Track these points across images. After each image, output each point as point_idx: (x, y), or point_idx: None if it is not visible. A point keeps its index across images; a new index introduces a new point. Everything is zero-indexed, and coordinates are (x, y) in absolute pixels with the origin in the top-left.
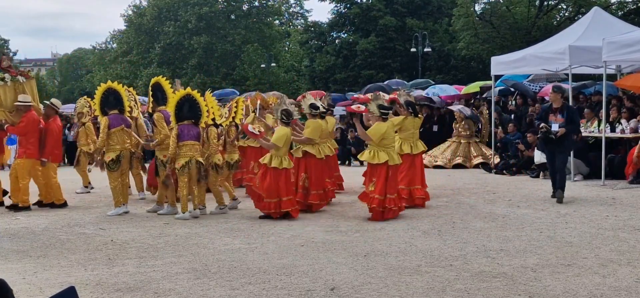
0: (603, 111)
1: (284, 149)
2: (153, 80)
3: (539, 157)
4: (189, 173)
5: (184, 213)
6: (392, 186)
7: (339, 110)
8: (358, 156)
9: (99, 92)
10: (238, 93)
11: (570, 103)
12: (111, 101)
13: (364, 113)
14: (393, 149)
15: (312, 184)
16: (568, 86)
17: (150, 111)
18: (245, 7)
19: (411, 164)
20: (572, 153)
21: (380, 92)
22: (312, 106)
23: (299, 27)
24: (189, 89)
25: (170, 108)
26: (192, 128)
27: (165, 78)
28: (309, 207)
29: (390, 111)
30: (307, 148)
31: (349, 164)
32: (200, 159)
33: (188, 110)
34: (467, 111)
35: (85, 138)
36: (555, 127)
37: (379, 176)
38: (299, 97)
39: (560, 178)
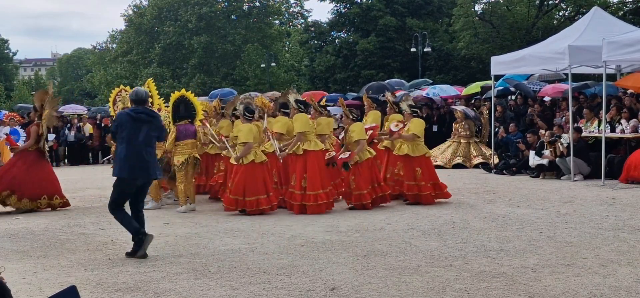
0: (603, 111)
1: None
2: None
3: (533, 160)
4: (186, 169)
5: (182, 206)
6: (433, 175)
7: (337, 109)
8: (394, 151)
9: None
10: (236, 93)
11: (570, 102)
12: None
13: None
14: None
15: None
16: (568, 86)
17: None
18: (245, 7)
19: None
20: (571, 151)
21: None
22: (298, 101)
23: (299, 27)
24: (183, 91)
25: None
26: (189, 127)
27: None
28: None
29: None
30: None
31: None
32: (197, 156)
33: (184, 110)
34: (471, 112)
35: None
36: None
37: (421, 166)
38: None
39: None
